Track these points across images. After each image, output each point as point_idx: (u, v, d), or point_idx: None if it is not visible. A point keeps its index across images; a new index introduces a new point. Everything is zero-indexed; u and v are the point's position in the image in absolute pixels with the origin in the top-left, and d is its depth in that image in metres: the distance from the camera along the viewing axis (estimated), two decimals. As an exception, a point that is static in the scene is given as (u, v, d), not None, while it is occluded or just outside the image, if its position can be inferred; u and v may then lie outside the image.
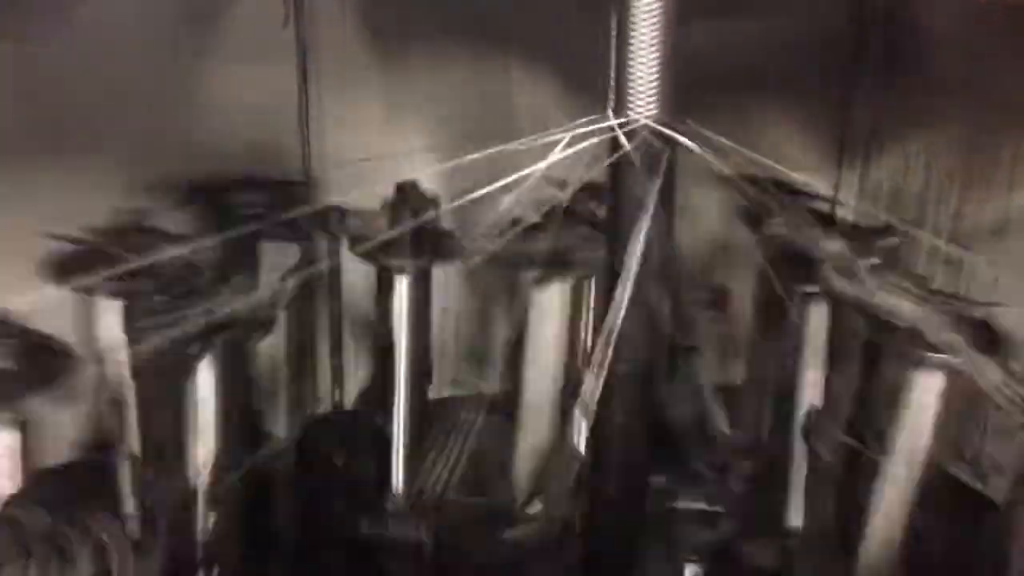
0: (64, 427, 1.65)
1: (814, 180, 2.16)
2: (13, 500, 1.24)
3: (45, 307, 1.30)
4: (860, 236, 1.56)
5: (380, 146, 2.02)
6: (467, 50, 2.12)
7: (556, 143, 1.09)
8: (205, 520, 1.44)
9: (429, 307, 1.84)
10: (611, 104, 1.01)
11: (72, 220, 1.57)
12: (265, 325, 1.54)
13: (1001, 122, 1.96)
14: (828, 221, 1.69)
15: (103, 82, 1.85)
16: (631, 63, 0.99)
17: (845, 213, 1.91)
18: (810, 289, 1.54)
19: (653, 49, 0.99)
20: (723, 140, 1.10)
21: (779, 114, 2.19)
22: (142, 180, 1.87)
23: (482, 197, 1.17)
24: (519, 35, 2.10)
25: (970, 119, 2.04)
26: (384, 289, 1.78)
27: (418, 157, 1.85)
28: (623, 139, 1.00)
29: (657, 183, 1.04)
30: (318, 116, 2.11)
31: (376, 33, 2.10)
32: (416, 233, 1.70)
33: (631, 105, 0.99)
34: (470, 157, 1.24)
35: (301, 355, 2.04)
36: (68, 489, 1.38)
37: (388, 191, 1.74)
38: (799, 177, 1.24)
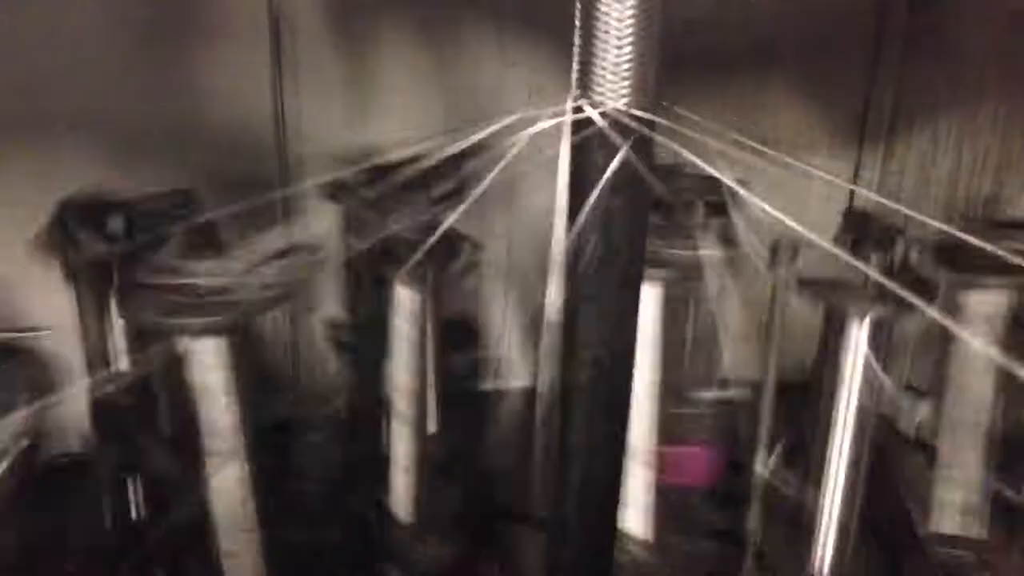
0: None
1: (831, 163, 2.01)
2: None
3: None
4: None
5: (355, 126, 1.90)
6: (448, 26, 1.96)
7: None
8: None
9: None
10: (574, 88, 0.85)
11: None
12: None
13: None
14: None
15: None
16: (596, 41, 0.83)
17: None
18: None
19: (625, 26, 0.82)
20: (716, 125, 0.94)
21: (797, 91, 2.01)
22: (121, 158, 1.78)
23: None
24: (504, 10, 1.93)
25: (1006, 94, 1.85)
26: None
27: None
28: (568, 126, 0.84)
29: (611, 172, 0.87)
30: (293, 93, 1.96)
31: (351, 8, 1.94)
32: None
33: (597, 88, 0.84)
34: (429, 144, 1.15)
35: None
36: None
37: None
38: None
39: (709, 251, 1.38)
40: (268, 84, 1.93)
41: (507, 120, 0.90)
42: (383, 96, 1.93)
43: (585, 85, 0.85)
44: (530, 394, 1.83)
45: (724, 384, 1.65)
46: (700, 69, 1.72)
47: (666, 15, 0.84)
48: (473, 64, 1.94)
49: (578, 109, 0.85)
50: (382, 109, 1.93)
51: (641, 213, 0.92)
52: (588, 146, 0.86)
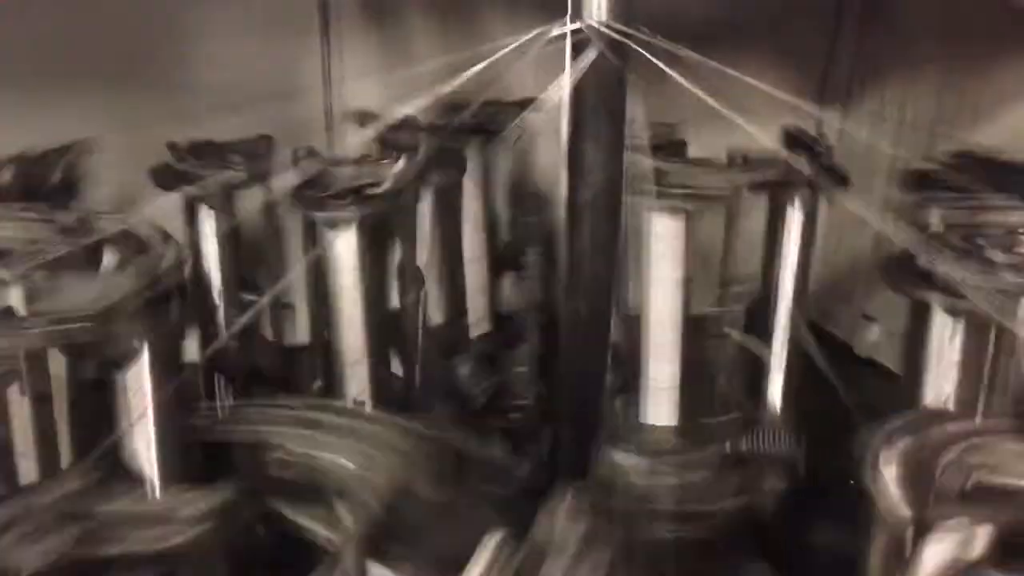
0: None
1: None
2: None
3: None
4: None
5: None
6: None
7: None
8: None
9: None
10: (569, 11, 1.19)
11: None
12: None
13: (967, 67, 2.13)
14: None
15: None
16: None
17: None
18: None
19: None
20: (687, 51, 1.27)
21: (763, 61, 2.36)
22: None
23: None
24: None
25: (942, 62, 2.20)
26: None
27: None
28: (571, 45, 1.18)
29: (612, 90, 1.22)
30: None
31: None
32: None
33: (584, 11, 1.17)
34: (444, 88, 1.40)
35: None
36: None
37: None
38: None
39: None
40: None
41: (518, 41, 1.24)
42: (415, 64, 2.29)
43: (577, 10, 1.19)
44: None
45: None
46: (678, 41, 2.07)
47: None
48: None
49: (577, 31, 1.19)
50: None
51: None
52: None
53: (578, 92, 1.21)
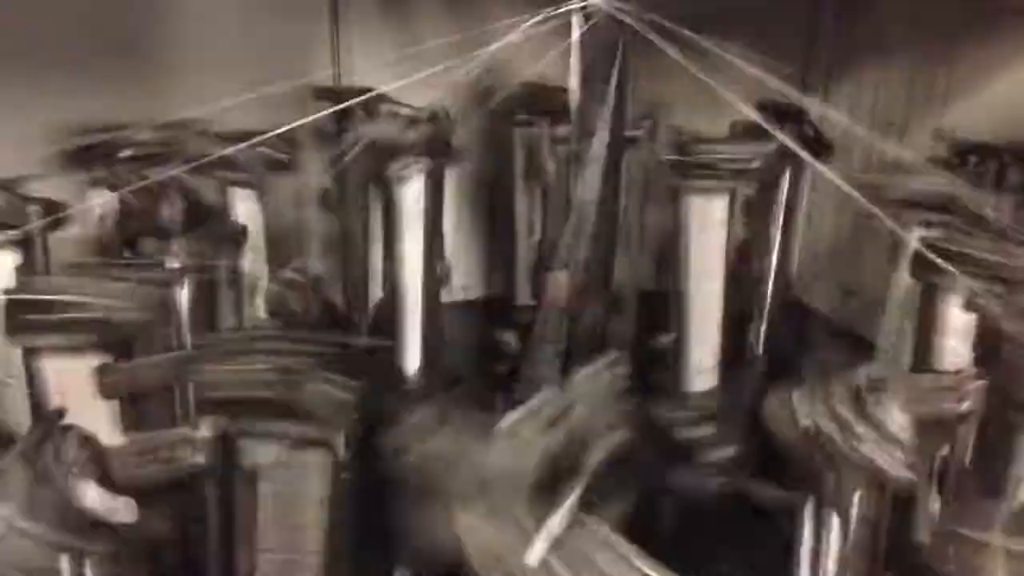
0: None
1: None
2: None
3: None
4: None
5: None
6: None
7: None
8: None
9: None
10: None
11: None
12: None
13: (938, 53, 2.29)
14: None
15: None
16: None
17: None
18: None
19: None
20: (683, 30, 1.42)
21: (751, 50, 2.51)
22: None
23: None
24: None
25: (910, 50, 2.36)
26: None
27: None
28: (579, 23, 1.33)
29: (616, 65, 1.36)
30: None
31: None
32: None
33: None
34: (448, 65, 1.55)
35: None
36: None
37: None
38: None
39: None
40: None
41: (532, 20, 1.38)
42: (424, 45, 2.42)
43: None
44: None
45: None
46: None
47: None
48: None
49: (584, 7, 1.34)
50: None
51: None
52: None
53: (586, 67, 1.35)
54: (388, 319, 2.16)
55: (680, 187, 1.84)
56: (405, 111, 2.09)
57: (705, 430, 1.84)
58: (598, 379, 1.07)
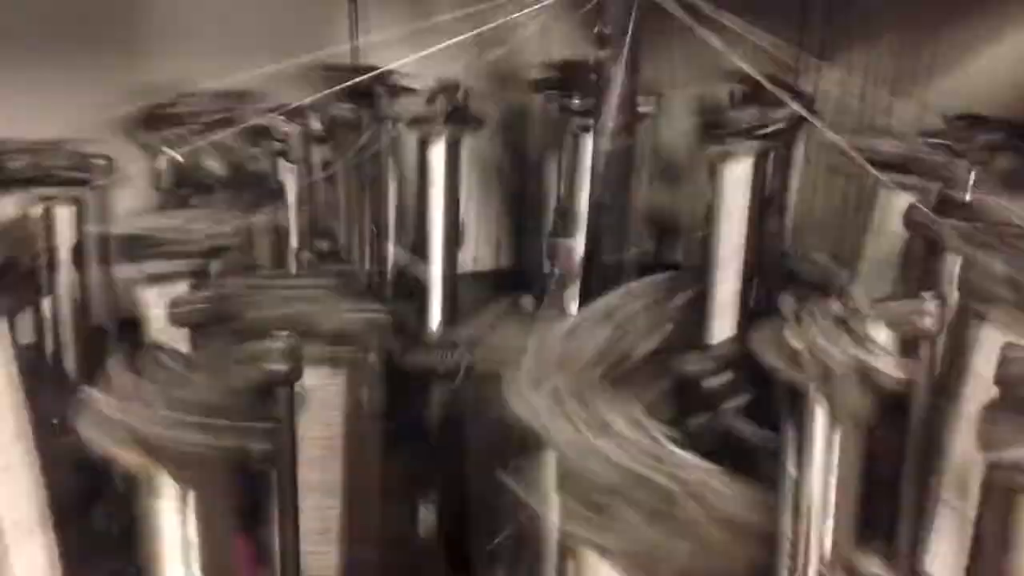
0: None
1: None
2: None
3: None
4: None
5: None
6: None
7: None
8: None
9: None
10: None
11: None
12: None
13: (920, 36, 2.45)
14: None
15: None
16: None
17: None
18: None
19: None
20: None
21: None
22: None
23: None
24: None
25: (897, 34, 2.52)
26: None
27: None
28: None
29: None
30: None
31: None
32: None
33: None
34: (461, 38, 1.67)
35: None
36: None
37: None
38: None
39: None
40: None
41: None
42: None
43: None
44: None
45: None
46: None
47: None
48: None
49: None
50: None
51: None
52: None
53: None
54: (408, 284, 2.31)
55: (711, 152, 1.99)
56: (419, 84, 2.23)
57: (723, 378, 1.97)
58: (650, 286, 1.22)
